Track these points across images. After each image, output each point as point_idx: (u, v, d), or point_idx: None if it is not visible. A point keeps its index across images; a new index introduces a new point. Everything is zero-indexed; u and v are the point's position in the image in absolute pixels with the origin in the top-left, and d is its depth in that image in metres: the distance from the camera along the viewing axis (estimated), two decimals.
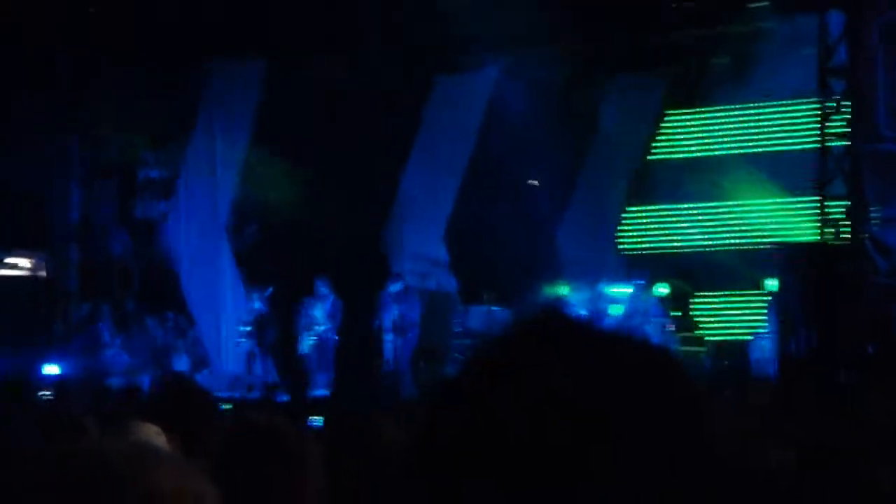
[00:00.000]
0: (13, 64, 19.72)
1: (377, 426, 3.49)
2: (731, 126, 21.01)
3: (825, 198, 17.86)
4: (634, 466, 1.25)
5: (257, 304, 20.88)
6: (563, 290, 20.14)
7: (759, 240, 19.96)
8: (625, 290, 19.74)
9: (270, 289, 20.78)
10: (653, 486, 1.25)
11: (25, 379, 18.09)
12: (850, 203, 17.54)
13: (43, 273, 21.91)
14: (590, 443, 1.24)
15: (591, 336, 1.34)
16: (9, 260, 21.11)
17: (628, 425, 1.26)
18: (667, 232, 21.51)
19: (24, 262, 21.72)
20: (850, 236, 17.42)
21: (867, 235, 17.17)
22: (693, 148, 21.31)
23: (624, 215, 21.97)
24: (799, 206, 19.71)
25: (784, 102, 20.32)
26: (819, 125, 18.11)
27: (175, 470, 1.58)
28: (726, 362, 19.19)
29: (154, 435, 4.40)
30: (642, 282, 19.65)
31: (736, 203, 20.58)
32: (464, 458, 1.27)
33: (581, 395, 1.26)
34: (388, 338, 20.11)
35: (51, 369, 19.42)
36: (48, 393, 18.25)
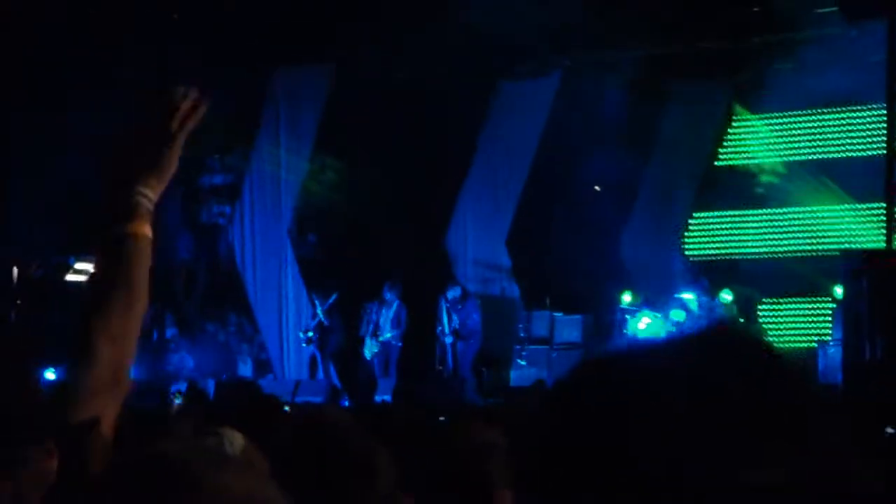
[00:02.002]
0: (78, 69, 19.89)
1: (463, 429, 3.47)
2: (798, 132, 20.86)
3: (892, 204, 17.66)
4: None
5: (320, 310, 20.91)
6: (627, 296, 20.07)
7: (825, 246, 19.81)
8: (688, 295, 19.63)
9: (335, 295, 20.78)
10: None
11: None
12: None
13: None
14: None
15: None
16: (77, 266, 21.27)
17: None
18: (733, 238, 21.39)
19: (90, 267, 21.86)
20: None
21: None
22: (759, 154, 21.17)
23: (690, 221, 21.85)
24: (866, 212, 19.56)
25: (851, 108, 20.17)
26: (886, 131, 17.94)
27: (247, 475, 1.61)
28: None
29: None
30: (703, 288, 19.52)
31: (802, 209, 20.44)
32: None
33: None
34: (449, 342, 20.10)
35: None
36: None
